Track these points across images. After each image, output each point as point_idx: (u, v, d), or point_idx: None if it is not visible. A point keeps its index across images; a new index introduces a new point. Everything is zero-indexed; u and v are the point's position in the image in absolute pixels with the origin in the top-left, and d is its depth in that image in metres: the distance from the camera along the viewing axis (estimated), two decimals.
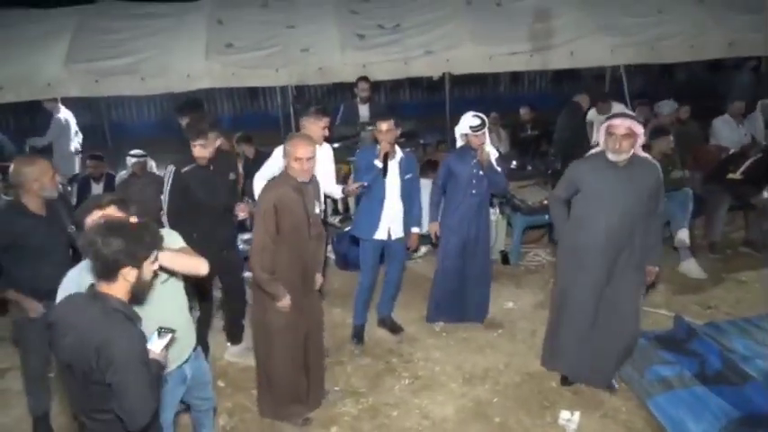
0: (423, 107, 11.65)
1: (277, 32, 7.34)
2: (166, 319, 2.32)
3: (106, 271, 1.99)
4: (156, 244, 2.10)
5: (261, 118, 11.55)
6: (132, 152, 6.11)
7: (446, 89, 7.70)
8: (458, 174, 4.26)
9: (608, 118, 3.46)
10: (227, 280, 4.12)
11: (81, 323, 1.97)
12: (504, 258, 5.81)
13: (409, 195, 4.26)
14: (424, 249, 6.16)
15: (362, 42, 7.27)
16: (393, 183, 4.16)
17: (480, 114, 4.13)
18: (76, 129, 7.67)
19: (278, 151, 3.78)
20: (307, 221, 3.30)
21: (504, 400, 3.75)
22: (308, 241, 3.35)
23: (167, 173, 4.19)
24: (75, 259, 3.14)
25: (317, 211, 3.45)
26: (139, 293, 2.13)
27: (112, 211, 2.39)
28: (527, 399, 3.74)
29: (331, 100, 11.57)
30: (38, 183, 3.15)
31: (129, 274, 2.01)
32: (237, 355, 4.31)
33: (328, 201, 5.40)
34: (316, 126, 3.96)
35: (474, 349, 4.34)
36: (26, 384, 3.54)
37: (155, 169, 6.21)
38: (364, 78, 6.64)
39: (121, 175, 6.18)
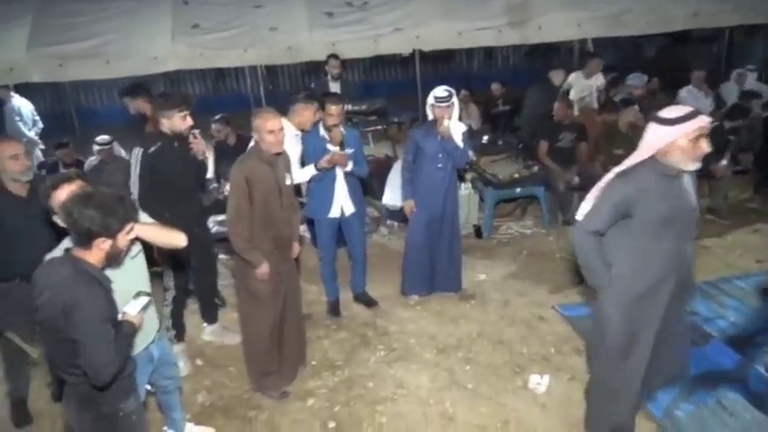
0: (395, 85, 11.66)
1: (244, 12, 7.22)
2: (133, 292, 2.40)
3: (82, 239, 2.10)
4: (131, 216, 2.20)
5: (233, 100, 11.42)
6: (98, 139, 6.04)
7: (416, 66, 7.70)
8: (424, 148, 4.31)
9: (686, 117, 2.52)
10: (199, 258, 4.12)
11: (54, 283, 2.09)
12: (477, 232, 5.91)
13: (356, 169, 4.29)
14: (388, 224, 6.20)
15: (331, 20, 7.21)
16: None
17: (449, 88, 4.17)
18: (36, 117, 7.54)
19: None
20: (278, 192, 3.40)
21: (476, 367, 3.85)
22: (280, 211, 3.44)
23: (134, 156, 4.14)
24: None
25: (288, 182, 3.54)
26: (113, 262, 2.24)
27: (80, 186, 2.45)
28: (498, 366, 3.85)
29: (303, 79, 11.50)
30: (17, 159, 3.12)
31: (103, 244, 2.11)
32: (214, 334, 4.35)
33: None
34: (308, 111, 4.02)
35: (447, 320, 4.44)
36: (4, 369, 3.56)
37: (123, 154, 6.14)
38: (334, 56, 6.62)
39: (91, 161, 6.10)
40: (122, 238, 2.18)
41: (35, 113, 7.59)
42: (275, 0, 7.34)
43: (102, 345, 2.05)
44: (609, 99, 6.52)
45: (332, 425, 3.41)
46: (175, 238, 2.70)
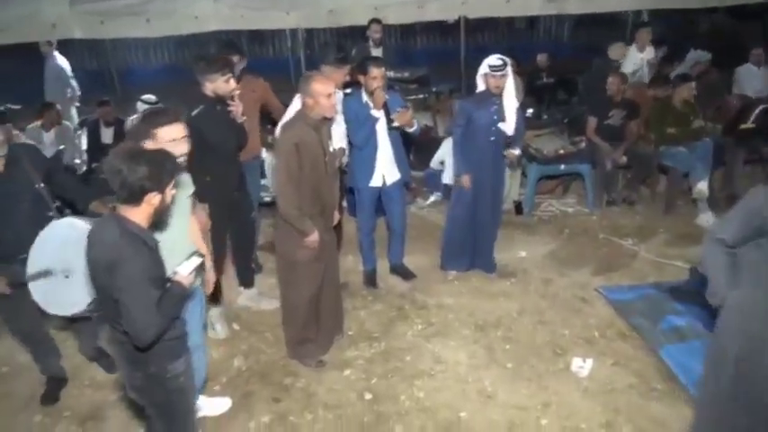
0: (434, 53, 11.33)
1: None
2: (178, 244, 2.48)
3: (131, 197, 2.06)
4: (177, 169, 2.21)
5: (269, 63, 11.29)
6: (143, 97, 6.01)
7: (462, 34, 7.46)
8: (476, 119, 4.15)
9: None
10: (238, 222, 4.08)
11: (102, 241, 2.07)
12: (518, 208, 5.76)
13: (397, 136, 4.20)
14: (432, 198, 6.12)
15: None
16: (384, 127, 4.09)
17: (503, 56, 3.98)
18: (71, 75, 7.56)
19: (297, 99, 3.68)
20: (323, 158, 3.32)
21: (516, 347, 3.77)
22: (325, 178, 3.37)
23: None
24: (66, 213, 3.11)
25: (331, 149, 3.47)
26: (159, 218, 2.23)
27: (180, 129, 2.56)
28: (540, 346, 3.76)
29: (342, 44, 11.27)
30: None
31: (153, 199, 2.08)
32: (250, 299, 4.34)
33: None
34: (338, 74, 3.87)
35: (486, 297, 4.34)
36: (30, 351, 3.48)
37: None
38: (376, 20, 6.44)
39: (132, 119, 6.08)
40: (169, 193, 2.16)
41: (71, 73, 7.60)
42: None
43: (143, 306, 2.02)
44: (661, 74, 6.21)
45: (368, 396, 3.37)
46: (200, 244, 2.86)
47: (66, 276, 2.58)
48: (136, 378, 2.26)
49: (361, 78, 4.05)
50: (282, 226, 3.41)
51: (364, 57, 4.71)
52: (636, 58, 6.49)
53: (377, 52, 6.39)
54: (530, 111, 6.65)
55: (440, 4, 6.97)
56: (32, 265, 2.71)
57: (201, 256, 2.33)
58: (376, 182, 4.20)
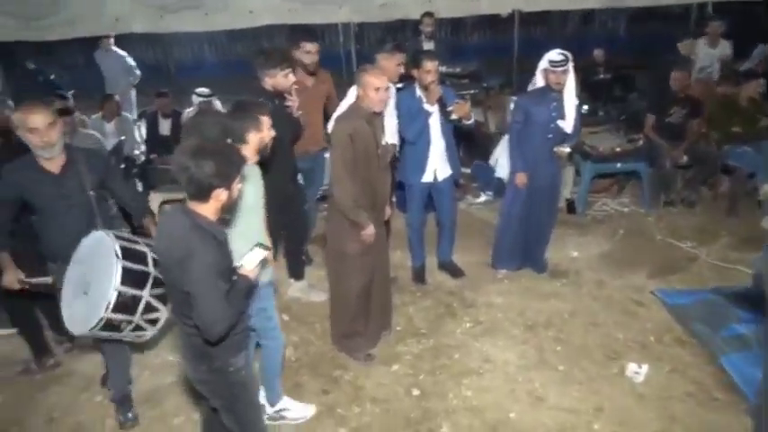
0: (487, 48, 11.19)
1: None
2: (254, 234, 2.56)
3: (199, 193, 2.06)
4: (243, 163, 2.17)
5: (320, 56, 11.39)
6: (198, 90, 6.19)
7: (515, 28, 7.32)
8: (534, 116, 4.06)
9: None
10: (292, 215, 4.14)
11: (171, 234, 2.09)
12: (570, 207, 5.63)
13: (449, 130, 4.17)
14: (483, 197, 6.05)
15: None
16: (437, 122, 4.06)
17: (564, 51, 3.88)
18: (132, 65, 7.81)
19: (352, 91, 3.70)
20: (376, 152, 3.34)
21: (567, 349, 3.69)
22: (377, 172, 3.38)
23: None
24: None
25: (384, 142, 3.48)
26: (228, 213, 2.23)
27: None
28: (592, 349, 3.67)
29: (393, 38, 11.26)
30: (22, 133, 2.77)
31: (221, 195, 2.07)
32: (300, 291, 4.39)
33: None
34: (391, 62, 3.85)
35: (537, 297, 4.27)
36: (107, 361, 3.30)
37: (220, 108, 6.25)
38: (429, 14, 6.39)
39: (188, 112, 6.24)
40: (236, 188, 2.14)
41: (133, 63, 7.88)
42: None
43: (214, 300, 2.02)
44: (733, 70, 5.93)
45: (416, 392, 3.37)
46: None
47: (85, 293, 2.51)
48: (201, 371, 2.28)
49: (415, 72, 4.03)
50: (335, 218, 3.44)
51: (417, 50, 4.68)
52: (707, 54, 6.22)
53: (429, 46, 6.35)
54: (585, 107, 6.48)
55: None
56: (68, 271, 2.66)
57: (266, 248, 2.30)
58: (427, 177, 4.18)
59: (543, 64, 3.97)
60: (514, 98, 6.21)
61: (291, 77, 3.71)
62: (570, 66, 3.92)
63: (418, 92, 4.02)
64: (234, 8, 6.71)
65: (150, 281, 2.49)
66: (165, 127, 6.32)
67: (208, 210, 2.10)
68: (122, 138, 6.12)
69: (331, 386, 3.46)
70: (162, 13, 6.72)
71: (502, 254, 4.56)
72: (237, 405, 2.37)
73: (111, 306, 2.38)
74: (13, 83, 7.09)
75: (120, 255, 2.41)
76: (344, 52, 7.72)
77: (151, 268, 2.51)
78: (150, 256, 2.51)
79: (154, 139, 6.36)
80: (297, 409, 3.21)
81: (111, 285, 2.36)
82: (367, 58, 6.87)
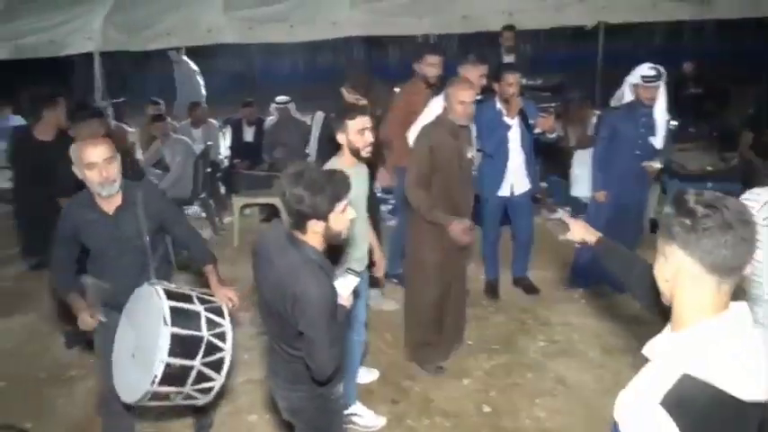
0: (568, 60, 10.90)
1: None
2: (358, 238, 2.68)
3: (296, 222, 1.98)
4: (341, 194, 1.96)
5: (398, 68, 11.52)
6: (277, 99, 6.45)
7: (600, 40, 7.11)
8: (622, 132, 3.94)
9: None
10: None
11: (280, 264, 1.98)
12: (654, 227, 5.37)
13: (528, 144, 4.12)
14: (559, 214, 5.89)
15: None
16: (516, 136, 4.01)
17: (657, 66, 3.75)
18: (200, 83, 8.16)
19: (435, 102, 3.72)
20: (459, 164, 3.33)
21: None
22: (459, 184, 3.37)
23: (316, 119, 4.31)
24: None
25: (469, 155, 3.46)
26: (332, 242, 2.07)
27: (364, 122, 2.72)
28: None
29: (470, 50, 11.20)
30: (79, 170, 2.50)
31: (316, 226, 1.96)
32: (373, 299, 4.42)
33: None
34: (473, 74, 3.84)
35: (616, 320, 4.10)
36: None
37: (297, 115, 6.47)
38: (509, 28, 6.33)
39: (270, 120, 6.50)
40: (336, 219, 1.97)
41: (202, 81, 8.25)
42: None
43: (327, 342, 1.93)
44: None
45: (487, 409, 3.32)
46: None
47: (133, 356, 2.25)
48: (294, 398, 2.18)
49: (495, 85, 4.01)
50: (414, 228, 3.46)
51: (498, 63, 4.65)
52: None
53: (509, 59, 6.29)
54: (674, 123, 6.19)
55: (578, 8, 6.68)
56: (120, 325, 2.46)
57: (358, 274, 2.24)
58: (504, 191, 4.14)
59: (633, 78, 3.85)
60: (597, 112, 6.04)
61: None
62: (662, 81, 3.77)
63: (498, 104, 3.99)
64: (318, 20, 6.90)
65: (203, 347, 2.21)
66: (248, 134, 6.60)
67: (311, 239, 2.00)
68: (209, 143, 6.44)
69: (400, 396, 3.47)
70: (251, 24, 7.00)
71: (580, 272, 4.42)
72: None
73: (157, 380, 2.13)
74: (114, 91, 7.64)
75: (168, 320, 2.12)
76: None
77: (204, 331, 2.23)
78: (204, 316, 2.25)
79: (238, 146, 6.66)
80: (368, 418, 3.23)
81: (158, 357, 2.08)
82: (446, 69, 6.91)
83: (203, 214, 6.20)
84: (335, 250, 2.27)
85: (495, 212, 4.24)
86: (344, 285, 2.12)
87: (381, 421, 3.24)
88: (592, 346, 3.82)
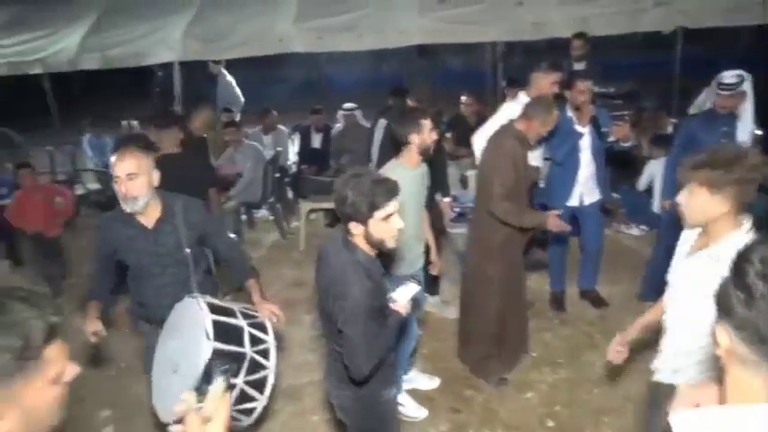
0: (642, 67, 10.49)
1: None
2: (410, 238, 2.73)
3: (343, 222, 2.07)
4: (381, 202, 1.99)
5: (464, 75, 11.45)
6: (344, 106, 6.58)
7: (678, 46, 6.82)
8: (701, 141, 3.76)
9: None
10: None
11: (332, 264, 2.09)
12: None
13: (600, 153, 4.01)
14: (636, 230, 5.68)
15: None
16: (587, 144, 3.91)
17: (741, 72, 3.57)
18: (237, 94, 8.48)
19: (506, 108, 3.70)
20: (524, 174, 3.31)
21: None
22: (522, 192, 3.33)
23: (379, 126, 4.36)
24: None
25: (534, 164, 3.49)
26: (378, 248, 2.10)
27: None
28: None
29: (540, 57, 10.98)
30: (116, 183, 2.44)
31: (356, 229, 2.03)
32: (435, 306, 4.44)
33: None
34: (545, 80, 3.79)
35: None
36: None
37: (363, 122, 6.56)
38: (580, 36, 6.16)
39: (337, 127, 6.63)
40: (375, 226, 2.02)
41: (239, 93, 8.55)
42: None
43: (363, 341, 1.99)
44: None
45: (550, 424, 3.25)
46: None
47: (175, 371, 2.10)
48: (343, 397, 2.27)
49: (566, 93, 3.93)
50: (477, 240, 3.43)
51: (570, 71, 4.55)
52: None
53: (579, 66, 6.12)
54: (759, 132, 5.85)
55: (655, 13, 6.44)
56: (160, 340, 2.34)
57: (418, 282, 2.27)
58: (573, 201, 4.05)
59: (714, 86, 3.68)
60: (673, 121, 5.80)
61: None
62: (745, 88, 3.58)
63: (569, 112, 3.91)
64: (387, 29, 6.99)
65: (246, 364, 2.07)
66: (316, 140, 6.75)
67: (359, 241, 2.07)
68: (279, 149, 6.64)
69: (462, 405, 3.44)
70: (320, 34, 7.18)
71: (653, 285, 4.23)
72: None
73: None
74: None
75: (210, 335, 1.99)
76: (491, 71, 7.70)
77: (248, 348, 2.10)
78: (248, 331, 2.12)
79: (306, 152, 6.82)
80: (411, 408, 3.30)
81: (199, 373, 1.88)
82: (513, 77, 6.82)
83: (271, 218, 6.40)
84: (386, 255, 2.28)
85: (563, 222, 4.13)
86: (404, 293, 2.16)
87: (423, 413, 3.32)
88: None
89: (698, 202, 1.88)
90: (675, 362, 2.09)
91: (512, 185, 3.21)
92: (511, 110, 3.74)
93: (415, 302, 2.26)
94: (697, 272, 1.91)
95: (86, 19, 8.09)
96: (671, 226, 4.03)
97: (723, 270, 0.96)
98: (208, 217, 2.77)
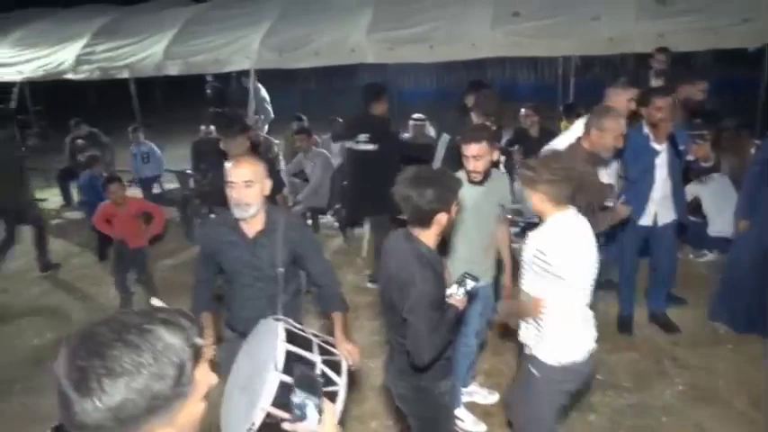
0: (723, 84, 10.01)
1: (567, 0, 7.02)
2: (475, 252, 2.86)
3: (422, 220, 2.19)
4: (459, 187, 2.25)
5: (533, 88, 11.34)
6: (414, 116, 6.65)
7: (765, 63, 6.50)
8: None
9: None
10: None
11: (396, 257, 2.22)
12: None
13: (677, 172, 3.89)
14: (707, 256, 5.44)
15: (662, 9, 6.52)
16: (663, 162, 3.78)
17: None
18: (267, 107, 8.81)
19: (579, 124, 3.64)
20: (599, 192, 3.22)
21: None
22: (596, 215, 3.24)
23: (442, 141, 4.38)
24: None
25: (605, 180, 3.38)
26: (446, 235, 2.31)
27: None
28: None
29: (615, 72, 10.75)
30: (230, 188, 2.46)
31: (442, 219, 2.19)
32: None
33: None
34: (621, 97, 3.70)
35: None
36: None
37: (432, 133, 6.61)
38: (663, 49, 5.98)
39: (404, 137, 6.71)
40: (454, 210, 2.24)
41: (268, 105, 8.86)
42: None
43: (425, 329, 2.09)
44: None
45: None
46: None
47: (243, 388, 2.05)
48: (401, 387, 2.39)
49: (643, 110, 3.83)
50: None
51: (648, 88, 4.44)
52: None
53: (658, 83, 5.94)
54: None
55: (741, 29, 6.16)
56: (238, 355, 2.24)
57: (475, 278, 2.32)
58: (646, 220, 3.93)
59: None
60: (757, 142, 5.52)
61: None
62: None
63: (645, 129, 3.81)
64: (458, 41, 7.01)
65: None
66: None
67: (428, 235, 2.22)
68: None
69: None
70: (392, 45, 7.30)
71: (723, 304, 4.09)
72: (435, 428, 2.44)
73: (254, 428, 1.88)
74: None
75: (280, 366, 1.88)
76: (562, 85, 7.59)
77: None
78: (320, 368, 1.96)
79: None
80: (469, 422, 3.32)
81: (260, 403, 1.82)
82: (586, 91, 6.69)
83: (336, 224, 6.53)
84: (443, 248, 2.44)
85: (634, 242, 4.02)
86: (460, 288, 2.26)
87: (481, 428, 3.31)
88: (739, 396, 3.48)
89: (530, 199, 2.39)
90: None
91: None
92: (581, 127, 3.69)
93: (471, 296, 2.32)
94: None
95: (171, 29, 8.58)
96: (744, 248, 3.86)
97: None
98: (307, 238, 2.70)
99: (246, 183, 2.40)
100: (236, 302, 2.61)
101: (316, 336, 2.18)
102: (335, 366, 2.01)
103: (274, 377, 1.83)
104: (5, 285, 5.90)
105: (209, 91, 9.37)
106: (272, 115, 9.02)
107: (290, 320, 2.18)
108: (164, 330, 0.93)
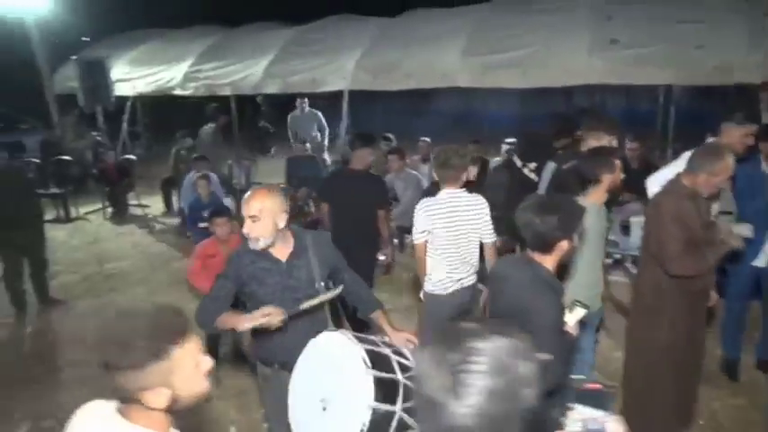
0: None
1: (667, 27, 6.80)
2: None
3: (544, 246, 2.22)
4: (583, 214, 2.26)
5: (624, 115, 10.99)
6: (507, 140, 6.64)
7: None
8: None
9: None
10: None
11: (513, 281, 2.23)
12: None
13: None
14: None
15: None
16: None
17: None
18: (323, 124, 9.29)
19: (685, 157, 3.52)
20: (700, 232, 3.01)
21: None
22: (700, 245, 3.08)
23: (547, 169, 4.33)
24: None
25: (712, 219, 3.23)
26: (567, 262, 2.30)
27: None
28: None
29: (711, 102, 10.26)
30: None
31: (564, 245, 2.20)
32: None
33: None
34: (738, 132, 3.51)
35: None
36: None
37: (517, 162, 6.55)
38: None
39: (495, 161, 6.71)
40: (575, 238, 2.26)
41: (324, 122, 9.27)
42: (704, 16, 6.68)
43: (554, 353, 1.99)
44: None
45: None
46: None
47: (324, 408, 2.02)
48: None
49: (761, 145, 3.66)
50: (641, 305, 3.24)
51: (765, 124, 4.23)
52: None
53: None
54: None
55: None
56: (295, 380, 2.22)
57: (586, 306, 2.32)
58: (760, 261, 3.72)
59: None
60: None
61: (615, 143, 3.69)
62: None
63: (763, 164, 3.64)
64: (552, 67, 6.95)
65: (401, 391, 1.99)
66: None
67: (550, 261, 2.24)
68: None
69: None
70: (484, 70, 7.34)
71: None
72: None
73: (365, 428, 1.92)
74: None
75: (369, 363, 1.97)
76: (662, 112, 7.33)
77: (399, 375, 2.03)
78: (395, 359, 2.07)
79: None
80: None
81: (365, 402, 1.89)
82: (686, 119, 6.44)
83: None
84: (562, 275, 2.42)
85: (744, 283, 3.82)
86: (571, 315, 2.26)
87: None
88: None
89: None
90: None
91: (680, 240, 2.93)
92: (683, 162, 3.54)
93: (583, 324, 2.37)
94: None
95: (272, 49, 9.05)
96: None
97: None
98: (336, 251, 2.73)
99: (252, 218, 2.39)
100: (277, 333, 2.43)
101: (369, 335, 2.27)
102: (403, 355, 2.15)
103: (369, 375, 1.94)
104: (113, 284, 6.38)
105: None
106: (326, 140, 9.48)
107: (343, 330, 2.26)
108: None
